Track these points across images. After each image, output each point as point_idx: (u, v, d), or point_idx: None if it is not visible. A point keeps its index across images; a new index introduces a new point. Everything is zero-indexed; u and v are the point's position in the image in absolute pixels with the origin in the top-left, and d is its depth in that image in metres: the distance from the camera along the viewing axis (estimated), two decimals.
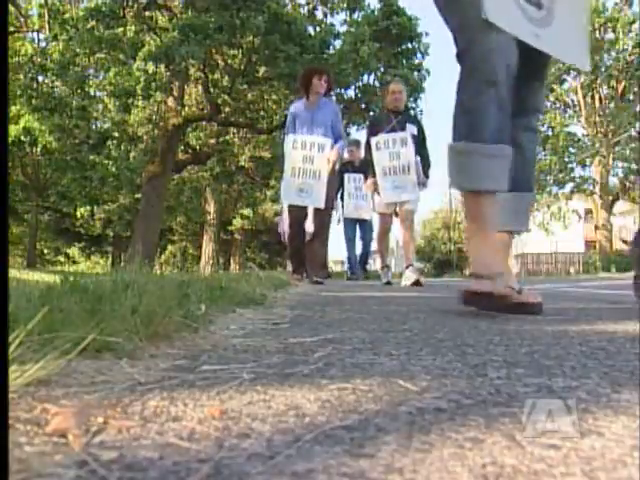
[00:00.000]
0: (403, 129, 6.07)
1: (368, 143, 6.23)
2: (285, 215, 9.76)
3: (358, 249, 9.77)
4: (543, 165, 27.35)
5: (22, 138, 16.48)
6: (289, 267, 9.87)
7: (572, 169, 27.62)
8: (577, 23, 2.25)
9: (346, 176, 8.94)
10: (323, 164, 5.92)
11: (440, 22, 2.15)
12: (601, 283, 7.76)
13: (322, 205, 5.94)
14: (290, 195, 6.04)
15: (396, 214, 6.28)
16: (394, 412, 0.65)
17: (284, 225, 9.90)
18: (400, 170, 5.98)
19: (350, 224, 9.34)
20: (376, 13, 15.58)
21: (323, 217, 6.15)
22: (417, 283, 5.65)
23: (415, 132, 6.14)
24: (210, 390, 0.76)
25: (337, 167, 7.71)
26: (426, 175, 6.24)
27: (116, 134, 17.39)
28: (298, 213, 6.21)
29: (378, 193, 6.17)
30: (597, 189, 27.37)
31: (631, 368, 0.93)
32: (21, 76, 14.92)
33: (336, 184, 6.92)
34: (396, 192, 5.97)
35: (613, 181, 27.94)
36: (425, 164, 6.24)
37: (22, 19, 15.99)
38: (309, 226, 6.51)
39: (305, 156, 5.92)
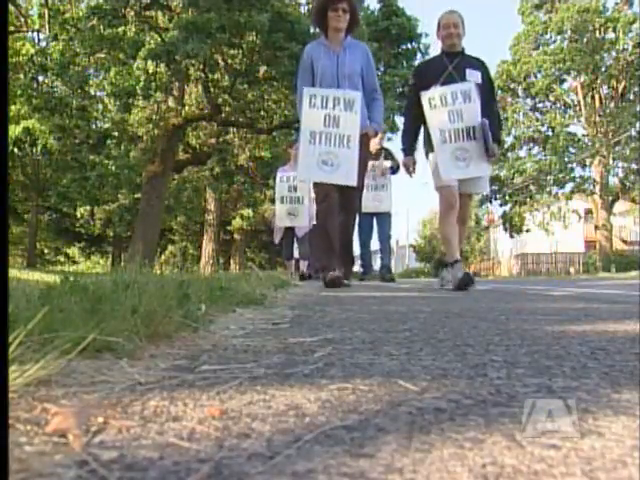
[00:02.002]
0: (463, 77, 4.46)
1: (413, 101, 4.60)
2: (277, 213, 8.67)
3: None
4: (543, 165, 27.39)
5: (22, 138, 16.48)
6: (290, 270, 8.82)
7: (572, 169, 27.65)
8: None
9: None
10: (352, 127, 4.43)
11: None
12: (601, 283, 7.76)
13: (354, 182, 4.38)
14: (310, 169, 4.45)
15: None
16: (394, 412, 0.65)
17: (277, 223, 8.85)
18: (464, 135, 4.39)
19: (367, 219, 8.13)
20: (376, 13, 15.58)
21: (352, 200, 4.62)
22: (467, 281, 4.14)
23: (479, 79, 4.51)
24: (210, 390, 0.76)
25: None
26: (497, 140, 4.53)
27: (116, 134, 17.40)
28: (326, 194, 4.56)
29: (410, 172, 4.76)
30: (597, 189, 27.39)
31: (631, 368, 0.93)
32: (21, 76, 14.91)
33: (367, 160, 5.18)
34: (459, 166, 4.39)
35: (613, 181, 27.97)
36: (496, 124, 4.55)
37: (22, 19, 15.98)
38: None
39: (327, 116, 4.42)
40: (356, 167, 4.41)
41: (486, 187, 4.91)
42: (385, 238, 8.67)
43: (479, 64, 4.65)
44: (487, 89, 4.59)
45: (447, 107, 4.41)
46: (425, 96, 4.46)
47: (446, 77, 4.47)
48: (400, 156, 5.68)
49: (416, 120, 4.64)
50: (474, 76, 4.50)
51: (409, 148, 4.78)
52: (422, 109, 4.47)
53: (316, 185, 4.78)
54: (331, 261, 4.46)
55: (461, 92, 4.41)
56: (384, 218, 8.44)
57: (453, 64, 4.51)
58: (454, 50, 4.56)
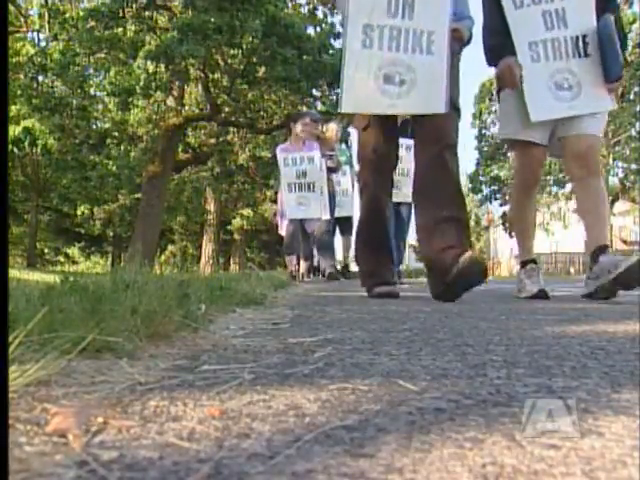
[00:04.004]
0: None
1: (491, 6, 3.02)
2: (286, 203, 6.91)
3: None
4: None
5: (22, 138, 16.48)
6: (290, 267, 7.21)
7: None
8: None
9: None
10: (436, 16, 2.83)
11: None
12: None
13: (441, 107, 2.79)
14: (364, 91, 2.82)
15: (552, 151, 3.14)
16: (394, 412, 0.65)
17: (287, 214, 7.01)
18: (569, 49, 2.89)
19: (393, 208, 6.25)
20: None
21: (445, 128, 2.90)
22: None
23: None
24: (210, 390, 0.76)
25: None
26: (619, 66, 2.94)
27: (116, 134, 17.40)
28: (378, 143, 3.01)
29: (512, 87, 2.97)
30: None
31: (631, 368, 0.93)
32: (21, 76, 14.91)
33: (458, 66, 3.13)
34: (560, 97, 2.87)
35: (613, 181, 27.97)
36: (618, 36, 2.98)
37: (22, 19, 15.98)
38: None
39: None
40: (445, 83, 2.81)
41: (599, 129, 3.00)
42: (402, 233, 7.03)
43: None
44: None
45: (540, 5, 2.90)
46: None
47: None
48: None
49: (503, 17, 2.98)
50: None
51: (503, 46, 2.97)
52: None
53: (368, 119, 3.01)
54: (381, 266, 3.02)
55: None
56: (402, 209, 6.67)
57: None
58: None
